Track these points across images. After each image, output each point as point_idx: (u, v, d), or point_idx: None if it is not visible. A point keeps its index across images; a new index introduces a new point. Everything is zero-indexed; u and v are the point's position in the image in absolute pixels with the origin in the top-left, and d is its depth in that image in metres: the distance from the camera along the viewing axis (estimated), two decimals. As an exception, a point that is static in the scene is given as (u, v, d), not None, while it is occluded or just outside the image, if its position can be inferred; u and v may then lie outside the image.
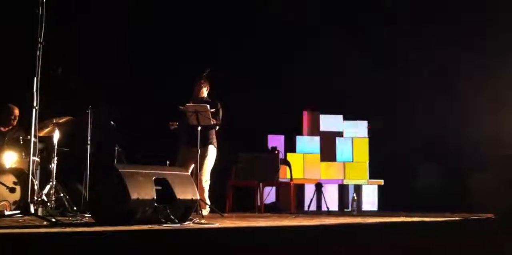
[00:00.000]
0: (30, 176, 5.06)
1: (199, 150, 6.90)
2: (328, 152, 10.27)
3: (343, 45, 9.53)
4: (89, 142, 6.99)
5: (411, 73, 9.76)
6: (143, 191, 4.72)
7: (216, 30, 9.36)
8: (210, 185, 7.37)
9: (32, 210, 4.93)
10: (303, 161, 10.03)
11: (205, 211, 7.06)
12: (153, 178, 4.90)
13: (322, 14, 9.70)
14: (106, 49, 8.64)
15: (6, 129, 7.14)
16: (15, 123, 7.14)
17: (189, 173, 5.42)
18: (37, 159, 6.50)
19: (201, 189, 7.18)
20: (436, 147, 9.74)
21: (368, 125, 10.42)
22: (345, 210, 9.68)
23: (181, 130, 7.34)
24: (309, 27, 9.68)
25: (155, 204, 4.78)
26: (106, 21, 8.65)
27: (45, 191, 6.37)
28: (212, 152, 7.37)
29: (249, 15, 9.61)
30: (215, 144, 7.41)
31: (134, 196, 4.61)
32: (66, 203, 6.57)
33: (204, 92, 7.53)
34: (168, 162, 7.42)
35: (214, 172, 7.45)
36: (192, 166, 7.28)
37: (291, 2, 9.40)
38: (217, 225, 4.93)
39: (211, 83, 7.60)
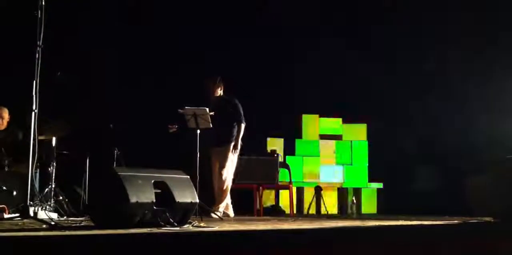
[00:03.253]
0: (29, 179, 5.05)
1: (198, 151, 6.98)
2: (327, 155, 10.27)
3: (343, 45, 9.53)
4: (88, 145, 7.00)
5: (411, 74, 9.76)
6: (142, 194, 4.71)
7: (215, 31, 9.36)
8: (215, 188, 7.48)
9: (31, 213, 4.93)
10: (302, 164, 10.03)
11: (231, 212, 7.43)
12: (152, 181, 4.89)
13: (322, 14, 9.72)
14: (106, 51, 8.64)
15: None
16: (4, 123, 7.13)
17: (188, 176, 5.41)
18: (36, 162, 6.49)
19: (221, 190, 7.30)
20: (435, 149, 9.73)
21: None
22: (344, 213, 9.67)
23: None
24: (309, 27, 9.69)
25: (154, 207, 4.77)
26: (105, 22, 8.68)
27: (44, 194, 6.37)
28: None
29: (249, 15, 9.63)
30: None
31: (133, 199, 4.60)
32: (65, 206, 6.57)
33: (218, 91, 7.63)
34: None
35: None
36: (217, 165, 7.46)
37: (291, 2, 9.42)
38: (216, 228, 4.92)
39: (224, 83, 7.71)
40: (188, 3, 9.23)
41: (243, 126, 7.56)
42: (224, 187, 7.46)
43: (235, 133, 7.56)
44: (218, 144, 7.46)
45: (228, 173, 7.51)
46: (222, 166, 7.47)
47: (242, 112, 7.60)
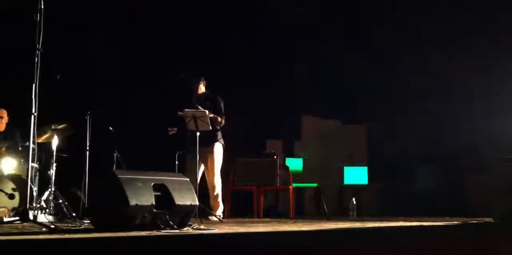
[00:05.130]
0: (29, 182, 5.06)
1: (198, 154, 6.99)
2: (326, 156, 10.26)
3: (343, 45, 9.53)
4: (88, 148, 7.00)
5: (411, 74, 9.75)
6: (142, 197, 4.72)
7: (215, 31, 9.36)
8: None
9: (31, 216, 4.93)
10: (302, 165, 10.01)
11: (219, 210, 7.32)
12: (152, 184, 4.90)
13: (322, 14, 9.72)
14: (105, 52, 8.65)
15: None
16: (4, 123, 7.13)
17: (188, 179, 5.41)
18: (35, 165, 6.51)
19: (212, 191, 7.29)
20: (435, 150, 9.73)
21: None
22: (344, 214, 9.66)
23: (186, 133, 7.36)
24: (309, 27, 9.69)
25: (154, 210, 4.77)
26: (104, 23, 8.68)
27: (44, 197, 6.38)
28: (219, 150, 7.44)
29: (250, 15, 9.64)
30: (221, 141, 7.48)
31: (133, 202, 4.61)
32: (65, 209, 6.57)
33: (202, 88, 7.59)
34: (178, 152, 7.48)
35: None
36: (202, 167, 7.39)
37: (291, 2, 9.43)
38: (216, 230, 4.93)
39: (206, 78, 7.65)
40: (188, 3, 9.23)
41: (219, 119, 7.33)
42: (216, 188, 7.40)
43: (219, 133, 7.47)
44: (203, 145, 7.19)
45: (217, 173, 7.45)
46: (208, 167, 7.40)
47: (223, 107, 7.45)
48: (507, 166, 6.92)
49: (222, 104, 7.47)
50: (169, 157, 7.66)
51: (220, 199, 7.44)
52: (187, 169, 7.32)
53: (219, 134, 7.47)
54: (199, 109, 7.12)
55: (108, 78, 8.68)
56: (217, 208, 7.37)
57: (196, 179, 7.14)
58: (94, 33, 8.65)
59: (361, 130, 10.46)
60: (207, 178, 7.40)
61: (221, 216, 7.31)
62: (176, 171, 7.40)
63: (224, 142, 7.56)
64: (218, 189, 7.42)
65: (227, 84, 8.85)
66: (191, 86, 7.53)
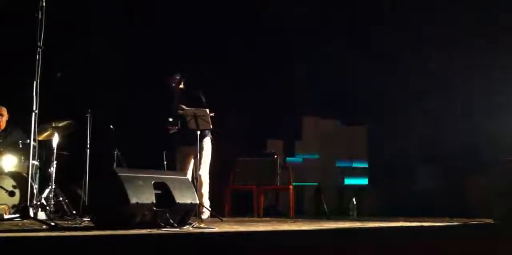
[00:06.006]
0: (29, 179, 5.06)
1: (198, 148, 6.96)
2: (327, 156, 10.26)
3: (343, 45, 9.53)
4: (88, 146, 7.00)
5: (411, 74, 9.75)
6: (143, 195, 4.72)
7: (215, 31, 9.36)
8: (209, 186, 7.40)
9: (31, 214, 4.93)
10: (302, 165, 10.01)
11: (205, 215, 7.12)
12: (153, 182, 4.90)
13: (322, 14, 9.72)
14: (105, 51, 8.65)
15: None
16: (4, 121, 7.12)
17: (188, 177, 5.41)
18: (36, 163, 6.51)
19: (200, 186, 7.23)
20: (435, 150, 9.73)
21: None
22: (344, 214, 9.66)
23: (180, 130, 7.34)
24: (309, 27, 9.69)
25: (155, 208, 4.77)
26: (105, 22, 8.68)
27: (44, 195, 6.38)
28: (208, 144, 7.41)
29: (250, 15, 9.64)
30: (210, 135, 7.44)
31: (133, 200, 4.61)
32: (65, 207, 6.58)
33: (181, 84, 7.55)
34: (165, 153, 7.47)
35: (213, 177, 7.44)
36: (192, 163, 7.34)
37: (291, 2, 9.44)
38: (216, 229, 4.93)
39: (184, 75, 7.59)
40: (188, 3, 9.23)
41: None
42: (204, 184, 7.28)
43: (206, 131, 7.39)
44: (193, 141, 7.10)
45: (207, 169, 7.37)
46: (198, 163, 7.23)
47: (205, 102, 7.32)
48: (507, 167, 6.91)
49: (204, 99, 7.37)
50: (168, 156, 7.67)
51: (205, 198, 7.28)
52: (178, 161, 7.31)
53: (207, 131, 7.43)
54: (182, 107, 7.10)
55: (108, 77, 8.68)
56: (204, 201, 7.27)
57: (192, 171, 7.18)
58: (95, 32, 8.66)
59: (361, 130, 10.46)
60: (195, 174, 7.35)
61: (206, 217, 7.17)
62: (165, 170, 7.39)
63: (224, 142, 7.53)
64: (206, 187, 7.31)
65: (227, 84, 8.86)
66: (170, 84, 7.52)
